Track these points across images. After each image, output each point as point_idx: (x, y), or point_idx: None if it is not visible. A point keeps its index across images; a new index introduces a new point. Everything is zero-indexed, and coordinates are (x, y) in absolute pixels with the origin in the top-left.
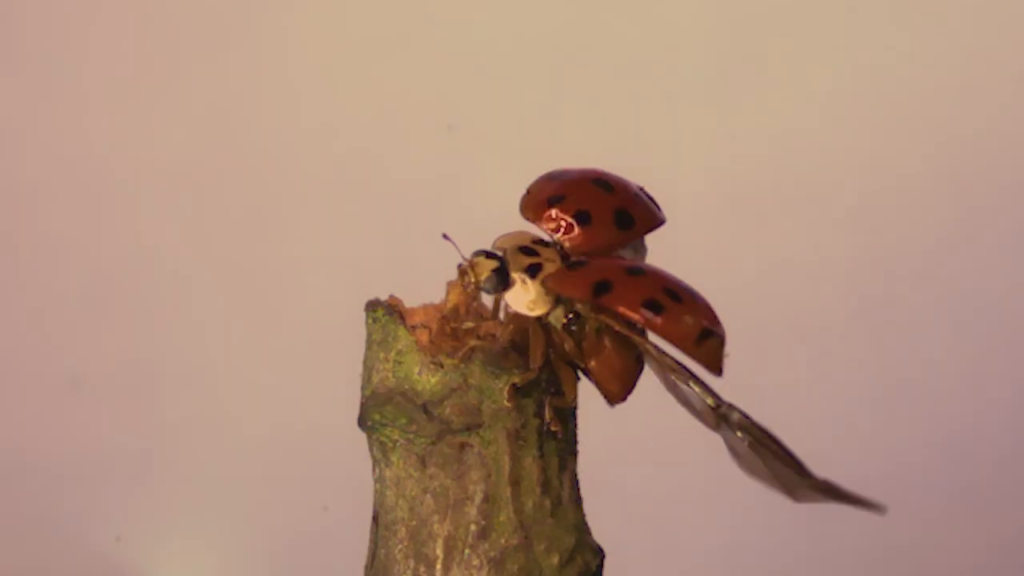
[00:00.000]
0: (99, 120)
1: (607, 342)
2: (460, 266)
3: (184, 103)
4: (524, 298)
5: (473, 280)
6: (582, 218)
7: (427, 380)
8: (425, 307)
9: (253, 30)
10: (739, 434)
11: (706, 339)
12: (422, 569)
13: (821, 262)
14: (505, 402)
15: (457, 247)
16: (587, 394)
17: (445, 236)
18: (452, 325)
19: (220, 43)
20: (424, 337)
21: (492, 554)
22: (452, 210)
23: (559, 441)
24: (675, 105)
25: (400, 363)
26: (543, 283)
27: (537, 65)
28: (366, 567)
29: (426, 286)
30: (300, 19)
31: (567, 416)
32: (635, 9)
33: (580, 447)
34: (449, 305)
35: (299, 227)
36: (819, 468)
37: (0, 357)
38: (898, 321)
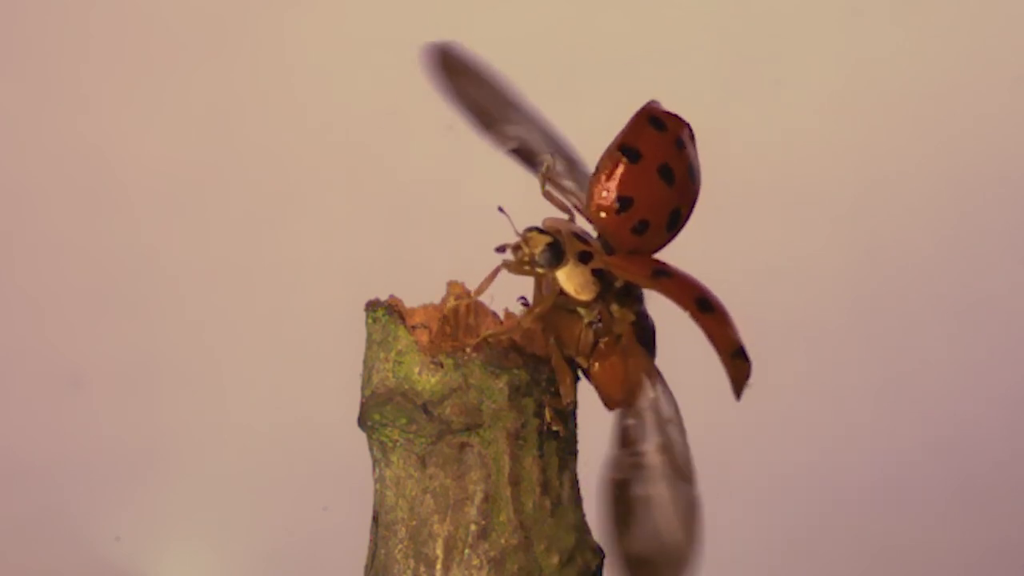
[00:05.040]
0: (99, 120)
1: (621, 349)
2: (512, 243)
3: (184, 103)
4: (575, 280)
5: (527, 253)
6: (640, 228)
7: (427, 380)
8: (425, 307)
9: (253, 30)
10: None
11: (742, 358)
12: (422, 569)
13: (821, 262)
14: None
15: (512, 222)
16: (587, 394)
17: (500, 209)
18: (457, 325)
19: (220, 43)
20: (424, 337)
21: (492, 554)
22: (452, 210)
23: (559, 441)
24: (675, 105)
25: (400, 363)
26: (593, 269)
27: (536, 65)
28: (366, 567)
29: (426, 286)
30: (300, 19)
31: (567, 416)
32: (635, 9)
33: (580, 447)
34: (449, 305)
35: (299, 227)
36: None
37: (0, 357)
38: (897, 321)
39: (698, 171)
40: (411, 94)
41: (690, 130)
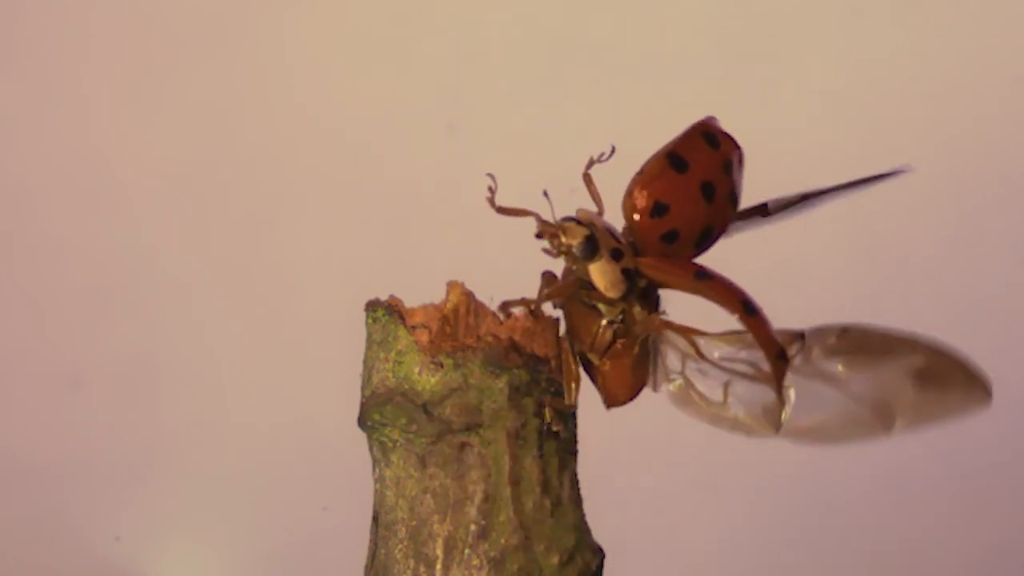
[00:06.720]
0: (99, 120)
1: (636, 350)
2: (547, 230)
3: (184, 103)
4: (607, 276)
5: (565, 242)
6: (670, 236)
7: (427, 380)
8: (425, 307)
9: (253, 30)
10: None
11: (784, 359)
12: (422, 569)
13: (821, 262)
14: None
15: (552, 207)
16: (587, 394)
17: (545, 193)
18: (457, 325)
19: (220, 43)
20: (424, 337)
21: (492, 554)
22: (452, 210)
23: (559, 441)
24: (675, 104)
25: (400, 363)
26: (626, 268)
27: (537, 65)
28: (366, 567)
29: (426, 286)
30: (300, 19)
31: (567, 416)
32: (635, 9)
33: (580, 447)
34: (449, 305)
35: (299, 227)
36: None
37: (0, 357)
38: (897, 321)
39: (739, 196)
40: (411, 94)
41: (741, 154)
